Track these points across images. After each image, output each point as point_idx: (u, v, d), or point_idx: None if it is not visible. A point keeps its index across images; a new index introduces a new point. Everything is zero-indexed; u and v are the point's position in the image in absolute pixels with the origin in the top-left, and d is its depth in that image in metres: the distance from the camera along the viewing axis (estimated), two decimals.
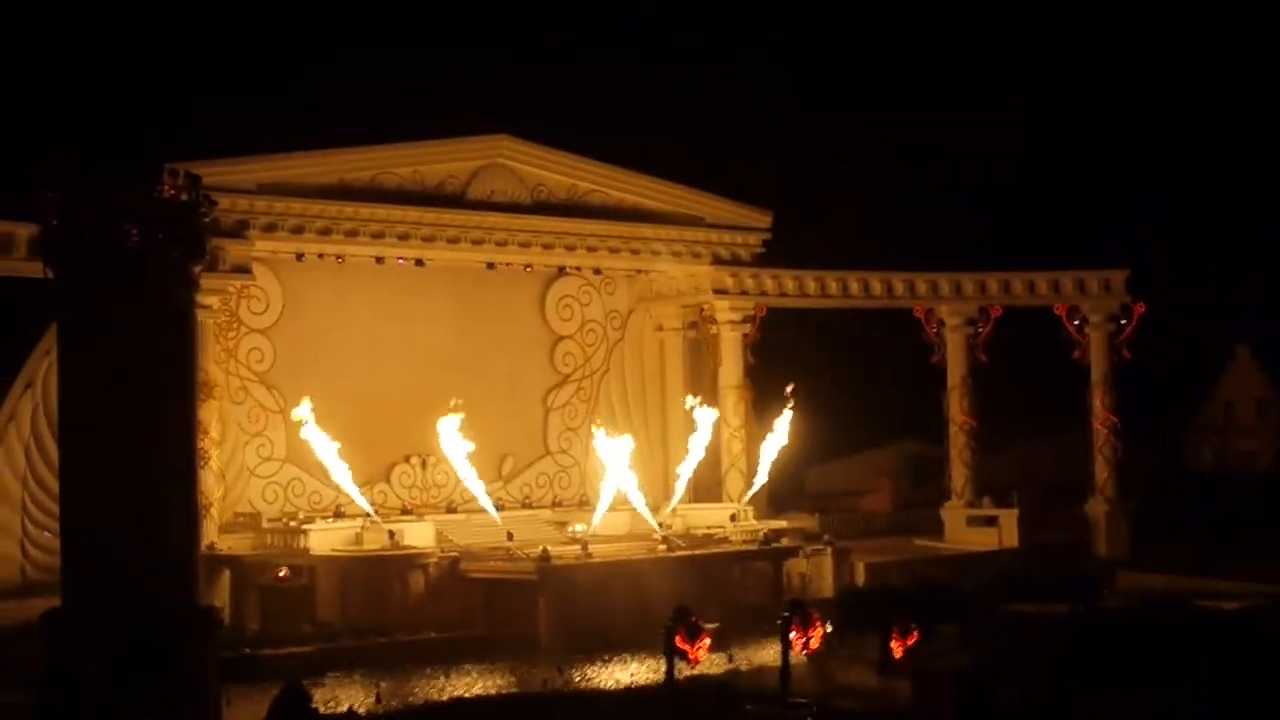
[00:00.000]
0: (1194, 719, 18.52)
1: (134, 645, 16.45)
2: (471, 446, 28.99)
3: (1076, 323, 35.19)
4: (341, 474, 28.19)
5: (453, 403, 28.67)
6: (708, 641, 18.87)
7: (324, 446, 27.99)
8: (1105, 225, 47.24)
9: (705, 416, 31.13)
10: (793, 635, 19.46)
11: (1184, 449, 46.70)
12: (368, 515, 28.12)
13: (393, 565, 26.63)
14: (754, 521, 31.19)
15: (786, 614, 20.09)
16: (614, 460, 29.85)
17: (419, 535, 27.83)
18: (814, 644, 19.71)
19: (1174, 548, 33.43)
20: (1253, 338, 46.47)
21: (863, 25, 50.51)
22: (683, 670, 20.08)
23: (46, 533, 25.37)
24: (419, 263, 30.47)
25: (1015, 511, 33.95)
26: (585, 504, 31.40)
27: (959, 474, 35.13)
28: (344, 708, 19.94)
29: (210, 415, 26.40)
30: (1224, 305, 49.10)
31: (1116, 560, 33.36)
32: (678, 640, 18.66)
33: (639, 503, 29.98)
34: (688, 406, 31.53)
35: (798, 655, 19.70)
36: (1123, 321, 35.05)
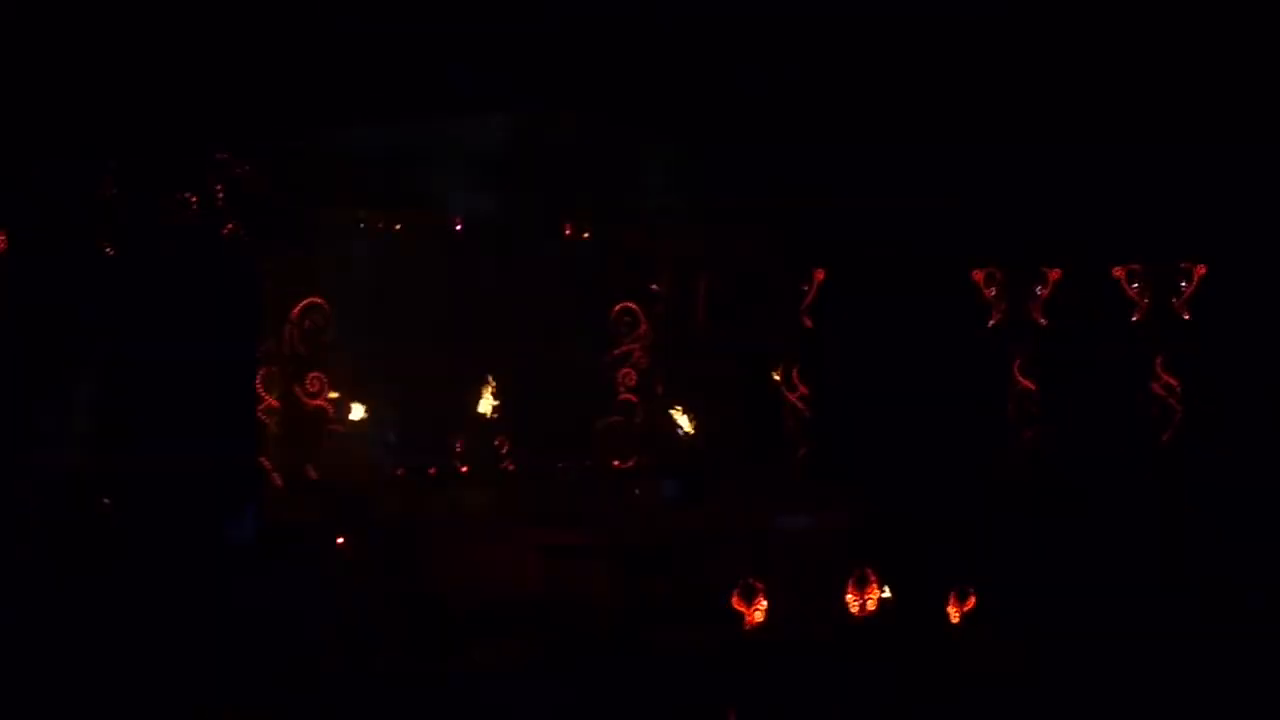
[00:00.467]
0: None
1: None
2: None
3: (1135, 285, 34.83)
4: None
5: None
6: (764, 603, 18.95)
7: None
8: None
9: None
10: (849, 597, 19.56)
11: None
12: (427, 481, 28.41)
13: (452, 532, 26.83)
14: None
15: (844, 575, 20.21)
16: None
17: (478, 501, 28.04)
18: (871, 605, 19.78)
19: None
20: None
21: None
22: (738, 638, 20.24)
23: None
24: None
25: None
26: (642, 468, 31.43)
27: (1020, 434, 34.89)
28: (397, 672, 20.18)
29: (271, 384, 26.64)
30: None
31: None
32: (735, 601, 18.78)
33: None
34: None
35: (857, 618, 19.77)
36: (1182, 284, 34.66)
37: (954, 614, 22.23)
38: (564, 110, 27.16)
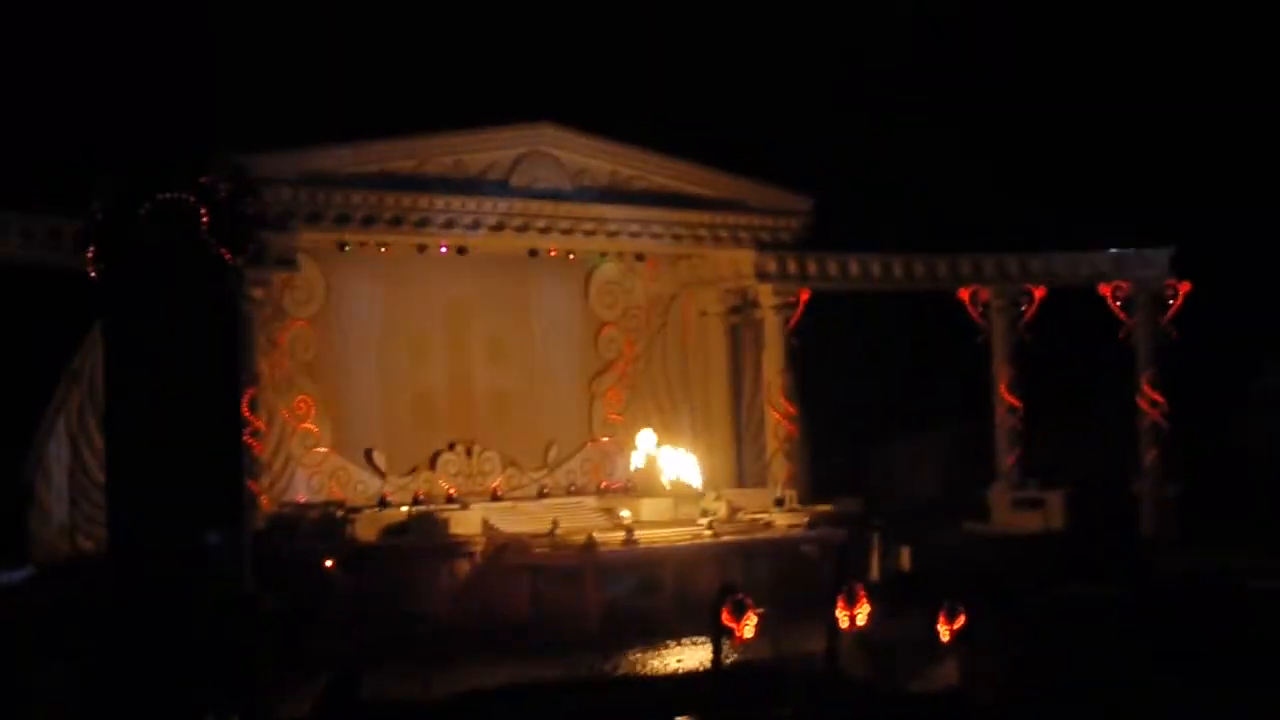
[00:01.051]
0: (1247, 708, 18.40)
1: (176, 630, 16.59)
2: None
3: (1122, 302, 35.06)
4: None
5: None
6: (754, 618, 18.90)
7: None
8: (1151, 204, 46.92)
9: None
10: (840, 612, 19.52)
11: (1233, 429, 46.36)
12: (412, 503, 28.41)
13: (438, 553, 26.83)
14: (798, 506, 31.19)
15: (834, 591, 20.18)
16: (659, 448, 30.19)
17: (464, 523, 27.95)
18: (861, 620, 19.74)
19: (1225, 530, 33.29)
20: None
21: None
22: (729, 655, 20.19)
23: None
24: (461, 250, 30.47)
25: (1061, 494, 33.93)
26: (629, 489, 31.43)
27: (1005, 456, 35.07)
28: (392, 695, 20.10)
29: (256, 406, 26.56)
30: (1276, 283, 48.84)
31: (1165, 540, 33.22)
32: (724, 617, 18.73)
33: (694, 481, 30.25)
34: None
35: (846, 633, 19.74)
36: (1169, 300, 34.91)
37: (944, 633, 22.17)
38: None
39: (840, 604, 19.61)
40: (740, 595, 19.20)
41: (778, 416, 32.99)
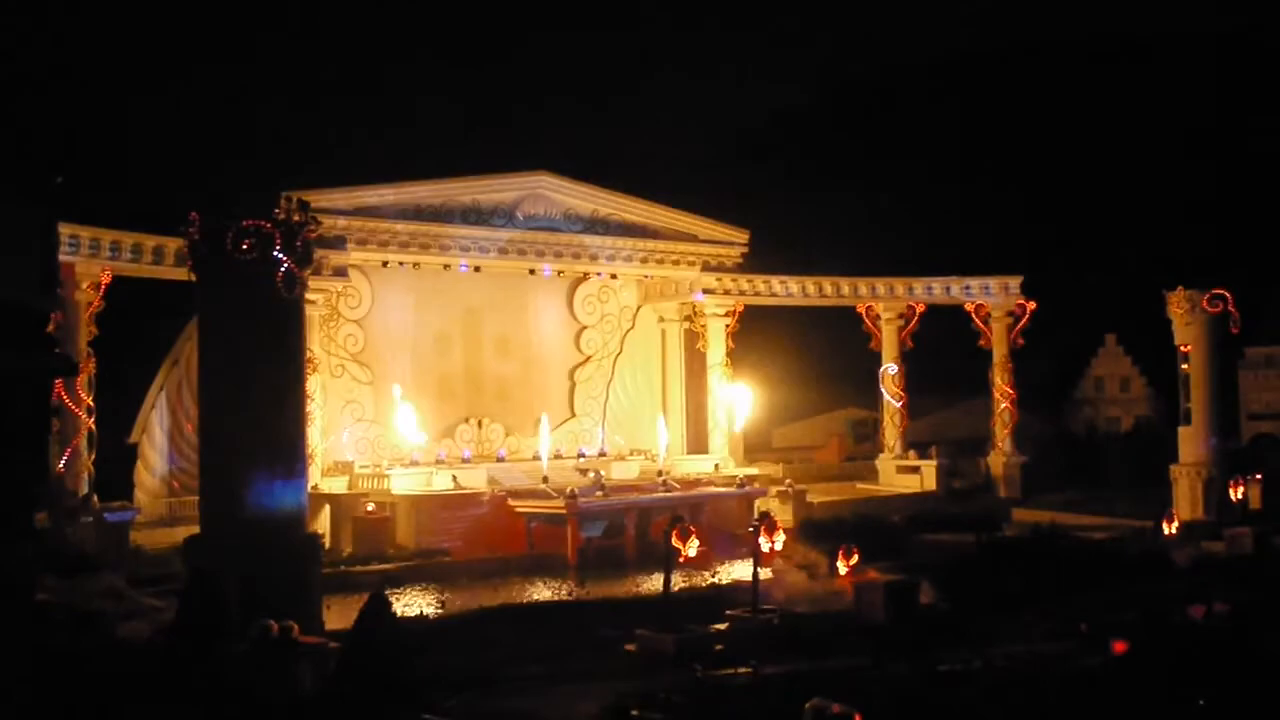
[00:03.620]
0: (1065, 621, 18.49)
1: (257, 563, 16.54)
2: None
3: (982, 318, 35.23)
4: (414, 434, 28.58)
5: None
6: (695, 541, 18.94)
7: (406, 415, 28.57)
8: (1007, 239, 47.20)
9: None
10: (761, 539, 19.55)
11: (1064, 415, 46.63)
12: (435, 463, 28.30)
13: (455, 502, 26.70)
14: (732, 468, 31.24)
15: (756, 523, 20.22)
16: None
17: (475, 479, 27.86)
18: (778, 546, 19.75)
19: (1056, 492, 33.44)
20: (1118, 329, 46.46)
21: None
22: (676, 583, 20.17)
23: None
24: (477, 269, 30.42)
25: (934, 463, 33.97)
26: (602, 455, 31.39)
27: (891, 433, 35.14)
28: (416, 611, 20.06)
29: (315, 385, 26.44)
30: (1096, 303, 49.10)
31: (1012, 501, 33.37)
32: (674, 538, 18.77)
33: (662, 445, 30.32)
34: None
35: (767, 560, 19.71)
36: (1018, 317, 35.08)
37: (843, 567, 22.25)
38: None
39: (762, 533, 19.66)
40: (686, 524, 19.30)
41: (716, 399, 33.05)
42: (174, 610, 15.91)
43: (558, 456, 30.78)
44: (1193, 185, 58.21)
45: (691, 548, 18.93)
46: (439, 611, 20.19)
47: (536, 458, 29.99)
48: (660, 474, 29.15)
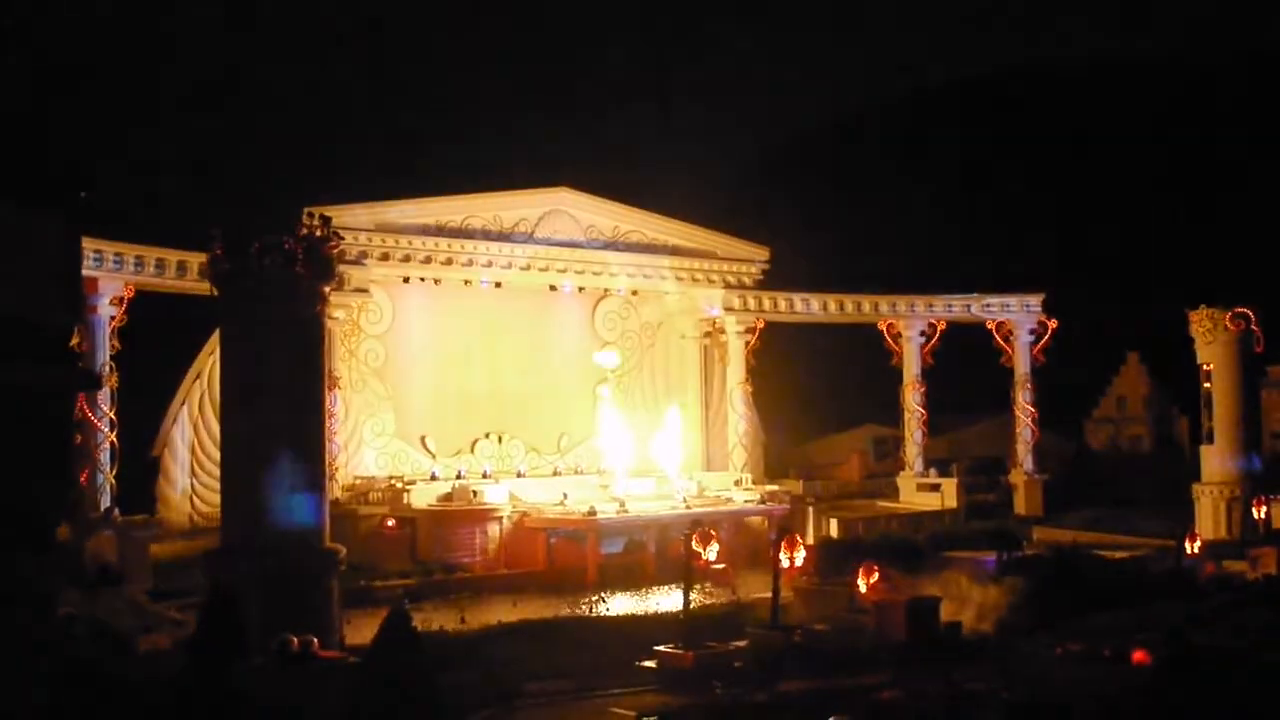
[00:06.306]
0: (1086, 639, 18.42)
1: (278, 577, 16.57)
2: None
3: (1004, 335, 35.13)
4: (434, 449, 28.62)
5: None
6: (716, 545, 18.89)
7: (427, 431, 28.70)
8: (1031, 256, 47.07)
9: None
10: (782, 554, 19.46)
11: (1086, 433, 46.37)
12: (456, 478, 28.31)
13: (475, 517, 26.71)
14: (752, 485, 31.16)
15: (777, 539, 20.15)
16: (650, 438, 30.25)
17: (495, 494, 27.86)
18: (799, 561, 19.65)
19: (1078, 510, 33.27)
20: (1140, 347, 46.22)
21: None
22: (696, 600, 20.12)
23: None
24: (498, 285, 30.46)
25: (954, 480, 33.87)
26: (622, 472, 31.25)
27: (911, 451, 35.02)
28: (436, 626, 20.05)
29: (336, 400, 26.50)
30: (1119, 322, 48.87)
31: (1033, 519, 33.22)
32: (694, 541, 18.72)
33: (670, 468, 30.15)
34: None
35: (787, 576, 19.62)
36: (1039, 334, 34.96)
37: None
38: None
39: (783, 549, 19.59)
40: (706, 529, 19.29)
41: (737, 416, 33.00)
42: (194, 624, 15.92)
43: (578, 472, 30.76)
44: (1217, 204, 58.04)
45: (711, 551, 18.88)
46: (459, 627, 20.14)
47: (557, 473, 29.96)
48: (680, 491, 29.13)
